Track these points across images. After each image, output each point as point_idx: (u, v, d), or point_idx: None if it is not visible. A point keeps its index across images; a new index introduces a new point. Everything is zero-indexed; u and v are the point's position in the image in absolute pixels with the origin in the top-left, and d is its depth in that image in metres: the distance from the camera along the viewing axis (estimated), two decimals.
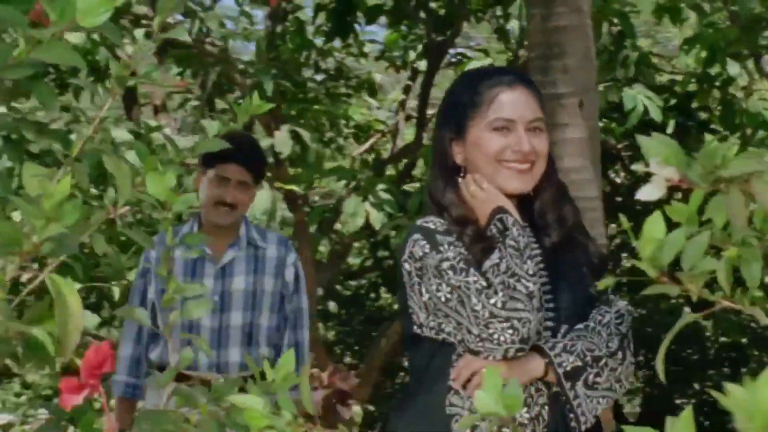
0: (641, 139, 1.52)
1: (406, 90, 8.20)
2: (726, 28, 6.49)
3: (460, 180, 2.58)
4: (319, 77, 7.69)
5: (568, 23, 4.52)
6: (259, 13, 7.67)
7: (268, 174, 6.52)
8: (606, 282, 1.61)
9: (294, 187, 6.38)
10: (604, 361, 2.47)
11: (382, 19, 7.47)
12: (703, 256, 1.46)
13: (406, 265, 2.53)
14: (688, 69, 7.21)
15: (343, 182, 6.91)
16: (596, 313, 2.56)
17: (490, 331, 2.39)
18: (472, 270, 2.43)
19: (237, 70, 6.28)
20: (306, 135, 6.37)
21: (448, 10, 7.17)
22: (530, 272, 2.42)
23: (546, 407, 2.47)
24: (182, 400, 1.88)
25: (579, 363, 2.45)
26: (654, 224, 1.48)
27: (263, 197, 6.29)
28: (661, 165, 1.49)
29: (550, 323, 2.49)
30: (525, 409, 2.46)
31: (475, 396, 2.25)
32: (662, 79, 7.60)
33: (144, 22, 6.59)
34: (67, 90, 7.16)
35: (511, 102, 2.55)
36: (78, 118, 7.03)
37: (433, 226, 2.53)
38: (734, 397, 0.95)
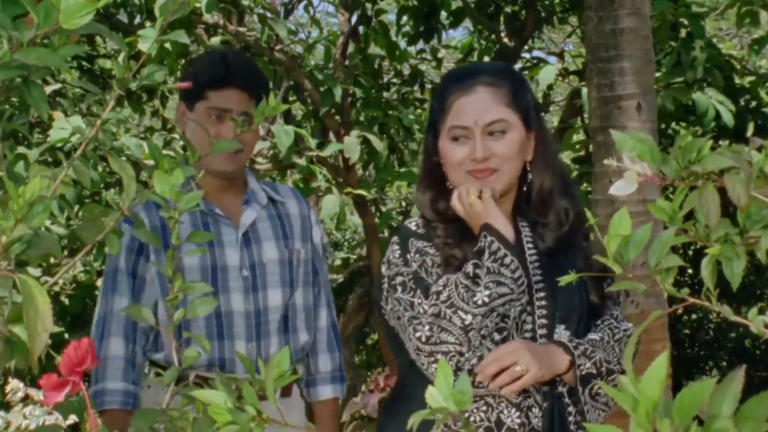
0: (614, 134, 1.51)
1: None
2: None
3: (459, 189, 2.50)
4: (393, 83, 7.72)
5: (626, 25, 4.49)
6: (333, 21, 7.70)
7: (339, 179, 6.55)
8: (619, 284, 1.60)
9: (363, 192, 6.39)
10: (614, 376, 2.44)
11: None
12: (670, 253, 1.44)
13: (383, 268, 2.54)
14: (760, 70, 7.08)
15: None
16: (607, 327, 2.53)
17: (420, 360, 2.41)
18: (418, 291, 2.43)
19: (306, 77, 6.32)
20: (375, 140, 6.38)
21: (526, 15, 7.16)
22: (478, 302, 2.35)
23: (533, 409, 2.43)
24: (186, 401, 1.90)
25: (593, 371, 2.42)
26: (620, 220, 1.47)
27: (331, 201, 6.30)
28: (633, 160, 1.48)
29: (544, 320, 2.46)
30: (517, 413, 2.43)
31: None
32: (742, 81, 7.46)
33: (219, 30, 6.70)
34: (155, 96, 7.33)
35: (466, 107, 2.48)
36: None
37: (414, 228, 2.54)
38: (623, 389, 0.96)
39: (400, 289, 2.45)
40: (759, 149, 1.39)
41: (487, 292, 2.35)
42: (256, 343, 3.04)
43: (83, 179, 1.95)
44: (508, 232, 2.43)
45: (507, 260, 2.37)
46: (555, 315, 2.47)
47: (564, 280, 1.69)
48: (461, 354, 2.35)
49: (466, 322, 2.34)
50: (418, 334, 2.38)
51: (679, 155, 1.44)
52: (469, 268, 2.38)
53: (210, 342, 2.83)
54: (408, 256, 2.47)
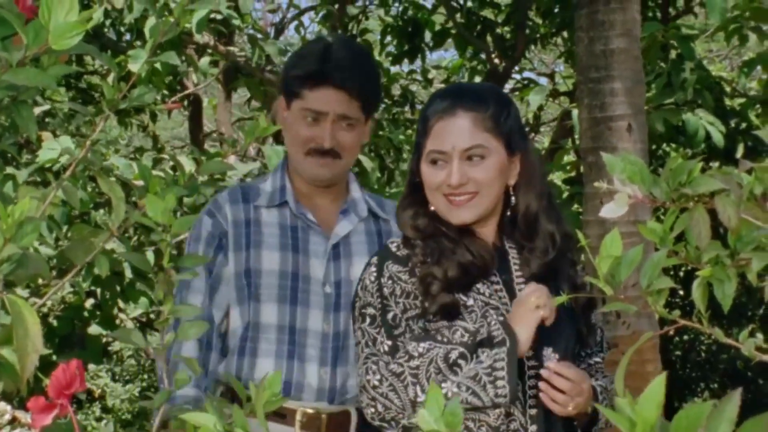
0: (605, 156, 1.50)
1: None
2: None
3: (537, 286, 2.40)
4: (384, 103, 7.74)
5: (617, 46, 4.50)
6: None
7: None
8: (610, 305, 1.59)
9: None
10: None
11: (447, 45, 7.54)
12: (662, 274, 1.44)
13: (358, 287, 2.51)
14: (749, 92, 7.12)
15: None
16: (598, 372, 2.54)
17: (361, 397, 2.41)
18: (383, 330, 2.40)
19: None
20: (366, 160, 6.38)
21: (514, 35, 7.20)
22: (442, 391, 2.28)
23: None
24: (179, 423, 1.89)
25: (602, 425, 2.42)
26: (612, 242, 1.46)
27: None
28: (624, 182, 1.48)
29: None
30: None
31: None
32: (732, 103, 7.49)
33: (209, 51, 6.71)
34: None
35: (445, 132, 2.42)
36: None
37: (394, 249, 2.49)
38: (620, 410, 0.96)
39: (369, 320, 2.43)
40: (749, 171, 1.39)
41: (455, 389, 2.29)
42: (331, 368, 2.68)
43: (72, 200, 1.95)
44: (523, 350, 2.34)
45: (499, 384, 2.29)
46: (541, 337, 2.41)
47: (557, 300, 1.69)
48: (396, 412, 2.35)
49: (418, 399, 2.31)
50: (368, 377, 2.37)
51: (670, 177, 1.44)
52: (454, 353, 2.32)
53: (278, 361, 2.66)
54: (382, 281, 2.44)
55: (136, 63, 2.02)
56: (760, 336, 8.74)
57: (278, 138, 7.03)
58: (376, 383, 2.35)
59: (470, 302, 2.40)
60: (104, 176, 1.98)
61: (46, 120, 6.06)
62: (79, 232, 2.05)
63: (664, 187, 1.44)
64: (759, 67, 6.69)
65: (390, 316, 2.41)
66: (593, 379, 2.49)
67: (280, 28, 7.47)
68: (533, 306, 2.32)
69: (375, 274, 2.45)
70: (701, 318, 1.42)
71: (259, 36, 6.34)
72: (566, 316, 2.47)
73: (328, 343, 2.68)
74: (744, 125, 7.30)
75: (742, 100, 7.35)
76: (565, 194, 6.79)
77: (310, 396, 2.64)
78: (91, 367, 9.83)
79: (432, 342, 2.35)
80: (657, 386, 1.01)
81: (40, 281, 5.19)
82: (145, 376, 10.95)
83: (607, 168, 1.46)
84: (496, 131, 2.43)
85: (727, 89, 7.38)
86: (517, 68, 7.82)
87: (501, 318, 2.37)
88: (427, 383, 2.29)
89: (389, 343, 2.39)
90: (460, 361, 2.30)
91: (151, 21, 5.26)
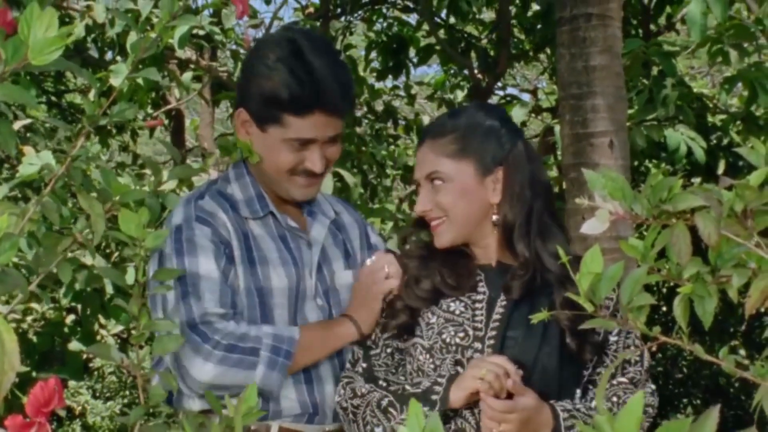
0: (586, 173, 1.50)
1: None
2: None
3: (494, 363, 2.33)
4: (367, 118, 7.75)
5: (598, 63, 4.50)
6: None
7: None
8: (592, 321, 1.57)
9: None
10: None
11: (430, 61, 7.55)
12: (642, 291, 1.44)
13: None
14: (731, 108, 7.15)
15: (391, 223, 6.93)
16: (614, 394, 2.46)
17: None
18: (362, 351, 2.51)
19: None
20: (348, 176, 6.37)
21: (497, 51, 7.22)
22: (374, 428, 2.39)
23: None
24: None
25: None
26: (593, 258, 1.46)
27: None
28: (605, 198, 1.48)
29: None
30: None
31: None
32: (714, 119, 7.52)
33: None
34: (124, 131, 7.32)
35: (417, 161, 2.52)
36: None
37: None
38: (598, 427, 0.95)
39: None
40: (729, 188, 1.39)
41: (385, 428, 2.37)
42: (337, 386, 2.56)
43: (51, 216, 1.93)
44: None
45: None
46: (508, 355, 2.35)
47: (536, 317, 1.68)
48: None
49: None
50: (338, 398, 2.48)
51: (651, 193, 1.44)
52: (385, 401, 2.40)
53: (297, 386, 2.50)
54: None
55: (117, 78, 2.01)
56: (742, 352, 8.75)
57: None
58: (337, 399, 2.49)
59: (433, 319, 2.42)
60: (84, 192, 1.97)
61: (27, 135, 6.04)
62: (48, 241, 2.05)
63: (645, 203, 1.45)
64: (740, 84, 6.72)
65: (371, 335, 2.51)
66: (593, 401, 2.36)
67: None
68: (477, 375, 2.27)
69: None
70: (682, 334, 1.42)
71: (242, 51, 6.33)
72: (543, 335, 2.39)
73: (335, 360, 2.54)
74: (725, 141, 7.33)
75: (723, 117, 7.38)
76: None
77: (331, 418, 2.53)
78: (72, 383, 9.76)
79: (373, 385, 2.43)
80: (636, 402, 1.01)
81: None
82: (127, 393, 10.89)
83: (588, 184, 1.46)
84: (459, 154, 2.42)
85: (709, 105, 7.40)
86: (500, 84, 7.83)
87: (454, 371, 2.37)
88: (362, 423, 2.39)
89: (364, 365, 2.49)
90: (390, 409, 2.37)
91: (132, 36, 5.24)
